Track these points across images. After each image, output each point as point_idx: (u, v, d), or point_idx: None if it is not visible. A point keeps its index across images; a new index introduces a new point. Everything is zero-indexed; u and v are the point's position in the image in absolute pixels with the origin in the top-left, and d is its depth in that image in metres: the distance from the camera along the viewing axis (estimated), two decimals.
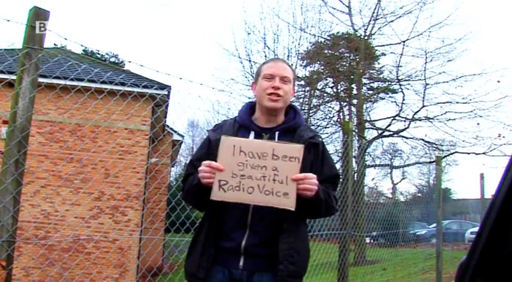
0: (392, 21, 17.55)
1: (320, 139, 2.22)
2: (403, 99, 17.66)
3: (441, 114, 16.86)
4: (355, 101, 18.56)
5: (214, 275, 2.11)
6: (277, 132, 2.18)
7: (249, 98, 18.42)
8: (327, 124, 19.07)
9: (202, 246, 2.11)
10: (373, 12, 17.75)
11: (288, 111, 2.26)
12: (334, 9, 18.18)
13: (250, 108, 2.28)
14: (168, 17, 66.01)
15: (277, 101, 2.15)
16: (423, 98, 17.01)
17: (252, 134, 2.18)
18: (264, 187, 1.98)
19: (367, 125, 18.52)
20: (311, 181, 1.99)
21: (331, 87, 19.95)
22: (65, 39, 3.06)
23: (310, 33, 18.50)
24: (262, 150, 2.00)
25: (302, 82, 18.78)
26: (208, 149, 2.17)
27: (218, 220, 2.11)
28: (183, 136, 18.63)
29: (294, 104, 2.36)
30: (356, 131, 16.71)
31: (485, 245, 0.85)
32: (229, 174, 1.99)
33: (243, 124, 2.22)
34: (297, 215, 2.05)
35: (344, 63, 19.70)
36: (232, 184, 1.98)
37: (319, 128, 18.51)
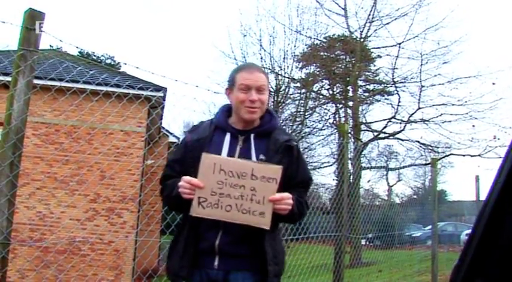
0: (388, 23, 17.62)
1: (295, 143, 2.27)
2: (399, 101, 17.71)
3: (437, 116, 16.90)
4: (351, 103, 18.59)
5: (193, 278, 2.16)
6: (252, 135, 2.22)
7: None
8: (323, 126, 19.11)
9: (183, 247, 2.17)
10: (369, 15, 17.81)
11: (264, 115, 2.29)
12: (330, 11, 18.24)
13: (227, 110, 2.32)
14: (163, 18, 66.03)
15: (255, 112, 2.20)
16: (419, 100, 17.06)
17: (228, 135, 2.23)
18: (242, 206, 2.05)
19: (363, 127, 18.54)
20: (287, 201, 2.08)
21: (327, 89, 19.98)
22: (61, 41, 3.06)
23: (306, 36, 18.54)
24: (241, 170, 2.06)
25: (298, 84, 18.81)
26: (185, 151, 2.23)
27: (196, 221, 2.15)
28: (178, 138, 18.55)
29: (270, 107, 2.41)
30: (352, 133, 16.76)
31: (478, 246, 0.86)
32: (208, 191, 2.05)
33: (219, 126, 2.27)
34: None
35: (340, 65, 19.73)
36: (211, 201, 2.05)
37: (315, 130, 18.54)
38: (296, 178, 2.21)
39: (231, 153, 2.18)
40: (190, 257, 2.15)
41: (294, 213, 2.14)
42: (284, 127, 17.84)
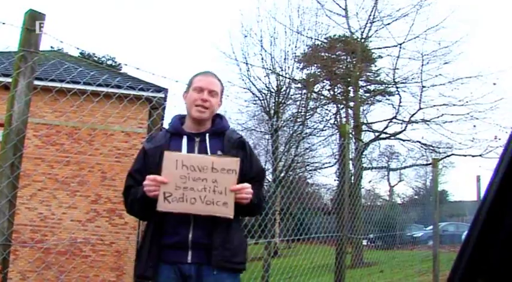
0: (389, 23, 17.59)
1: (246, 140, 2.49)
2: (400, 102, 17.69)
3: (438, 117, 16.87)
4: (352, 104, 18.58)
5: (163, 273, 2.21)
6: (207, 134, 2.38)
7: (245, 100, 18.34)
8: (324, 127, 19.05)
9: (148, 247, 2.23)
10: (370, 15, 17.78)
11: (215, 118, 2.46)
12: (331, 12, 18.20)
13: (180, 119, 2.48)
14: (164, 19, 66.00)
15: (204, 112, 2.36)
16: (420, 100, 17.03)
17: (185, 138, 2.36)
18: (205, 197, 2.17)
19: (364, 127, 18.52)
20: (247, 190, 2.22)
21: (328, 90, 19.96)
22: (61, 42, 3.06)
23: (307, 36, 18.50)
24: (202, 164, 2.18)
25: (299, 85, 18.79)
26: (145, 160, 2.33)
27: (161, 219, 2.23)
28: None
29: (220, 113, 2.59)
30: (353, 133, 16.74)
31: (475, 245, 0.86)
32: (173, 186, 2.16)
33: (174, 132, 2.40)
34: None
35: (341, 65, 19.72)
36: (176, 196, 2.16)
37: (316, 130, 18.51)
38: (251, 172, 2.36)
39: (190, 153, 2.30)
40: (157, 255, 2.21)
41: (253, 204, 2.28)
42: (285, 127, 17.84)
